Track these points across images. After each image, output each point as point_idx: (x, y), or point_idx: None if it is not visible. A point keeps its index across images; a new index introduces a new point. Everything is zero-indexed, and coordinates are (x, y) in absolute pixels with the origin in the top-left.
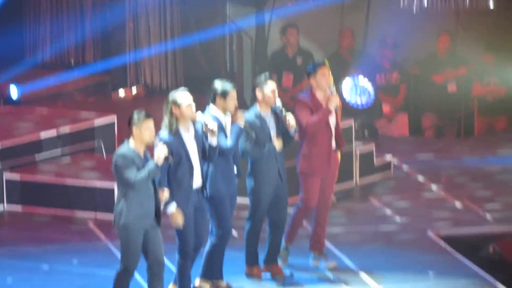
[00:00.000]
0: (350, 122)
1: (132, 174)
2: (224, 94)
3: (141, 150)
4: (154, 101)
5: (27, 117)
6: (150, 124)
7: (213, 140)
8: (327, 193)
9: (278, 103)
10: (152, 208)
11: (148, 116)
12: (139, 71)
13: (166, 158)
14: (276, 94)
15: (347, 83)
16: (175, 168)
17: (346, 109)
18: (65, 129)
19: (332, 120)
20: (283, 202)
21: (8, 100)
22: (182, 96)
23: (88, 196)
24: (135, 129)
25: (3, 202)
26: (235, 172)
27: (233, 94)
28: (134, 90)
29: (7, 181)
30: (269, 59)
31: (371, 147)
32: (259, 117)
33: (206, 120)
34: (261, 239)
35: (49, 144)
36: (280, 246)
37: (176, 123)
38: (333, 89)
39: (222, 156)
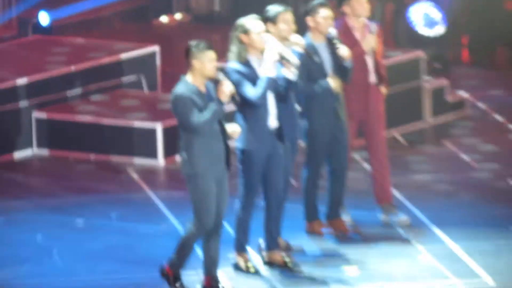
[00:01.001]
0: (419, 54)
1: (194, 117)
2: (273, 19)
3: (202, 86)
4: (201, 29)
5: (58, 48)
6: (213, 55)
7: (290, 73)
8: (376, 135)
9: (333, 31)
10: (222, 151)
11: (210, 46)
12: None
13: (233, 97)
14: (330, 23)
15: (415, 10)
16: (246, 106)
17: (414, 38)
18: (101, 61)
19: (368, 57)
20: (342, 145)
21: (37, 27)
22: (252, 22)
23: (128, 138)
24: (195, 62)
25: (31, 145)
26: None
27: (285, 17)
28: (178, 16)
29: (36, 120)
30: None
31: (443, 82)
32: (312, 47)
33: (280, 48)
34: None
35: (84, 78)
36: (343, 197)
37: (246, 53)
38: (373, 26)
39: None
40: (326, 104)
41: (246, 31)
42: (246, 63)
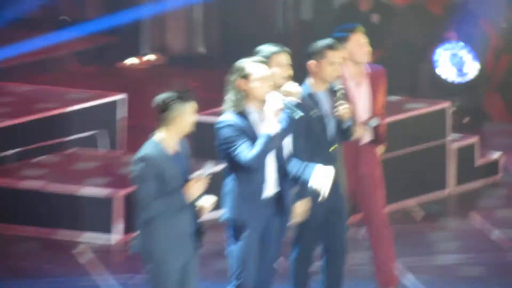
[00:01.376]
0: (445, 105)
1: (149, 196)
2: (267, 60)
3: (174, 145)
4: (177, 73)
5: None
6: (195, 107)
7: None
8: (374, 206)
9: (339, 81)
10: (190, 227)
11: (192, 96)
12: (157, 31)
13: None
14: (338, 70)
15: (442, 50)
16: (239, 168)
17: (440, 86)
18: (51, 113)
19: (364, 105)
20: (340, 219)
21: None
22: (254, 65)
23: (78, 210)
24: (174, 117)
25: None
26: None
27: (279, 59)
28: (149, 57)
29: None
30: (334, 15)
31: (473, 140)
32: (310, 98)
33: (283, 99)
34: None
35: (27, 135)
36: (341, 280)
37: (243, 102)
38: (375, 121)
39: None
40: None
41: (245, 76)
42: (243, 115)
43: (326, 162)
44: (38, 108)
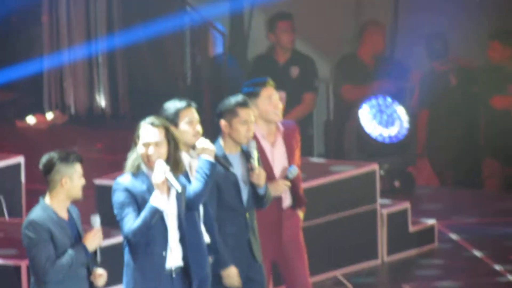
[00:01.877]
0: (373, 167)
1: (46, 259)
2: (174, 118)
3: (64, 210)
4: (79, 133)
5: None
6: (80, 169)
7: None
8: (296, 271)
9: (253, 145)
10: None
11: (79, 158)
12: (57, 86)
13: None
14: (252, 129)
15: (368, 106)
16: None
17: (367, 146)
18: None
19: (281, 170)
20: None
21: None
22: (144, 128)
23: None
24: (59, 180)
25: None
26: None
27: (188, 116)
28: (49, 115)
29: None
30: (250, 67)
31: (405, 205)
32: (224, 157)
33: (167, 171)
34: None
35: None
36: None
37: (137, 162)
38: (294, 169)
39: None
40: (239, 237)
41: (138, 137)
42: (139, 177)
43: (240, 230)
44: None
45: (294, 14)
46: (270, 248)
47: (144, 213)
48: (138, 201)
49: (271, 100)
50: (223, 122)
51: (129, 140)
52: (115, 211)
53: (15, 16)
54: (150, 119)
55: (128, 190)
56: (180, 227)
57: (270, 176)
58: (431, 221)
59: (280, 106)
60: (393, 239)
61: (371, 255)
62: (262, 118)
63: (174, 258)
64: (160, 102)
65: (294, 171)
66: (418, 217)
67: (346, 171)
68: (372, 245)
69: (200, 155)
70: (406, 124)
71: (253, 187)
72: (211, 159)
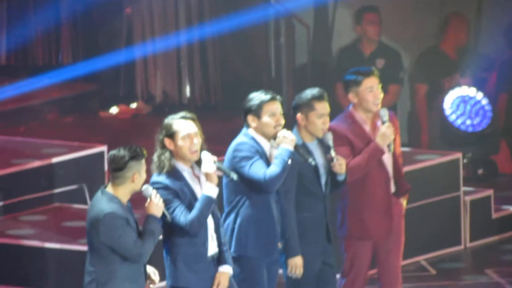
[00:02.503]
0: (457, 155)
1: (134, 242)
2: (257, 110)
3: (125, 201)
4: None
5: None
6: (144, 165)
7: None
8: (393, 262)
9: (329, 136)
10: None
11: (144, 153)
12: (142, 77)
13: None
14: (327, 121)
15: (451, 96)
16: (177, 232)
17: (449, 135)
18: (28, 167)
19: (387, 157)
20: (331, 273)
21: None
22: (179, 122)
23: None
24: (131, 176)
25: None
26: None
27: (272, 108)
28: (133, 105)
29: None
30: (334, 59)
31: (488, 193)
32: (303, 146)
33: (216, 160)
34: None
35: (5, 190)
36: None
37: (170, 162)
38: (385, 113)
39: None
40: (317, 222)
41: (171, 134)
42: (173, 174)
43: (318, 215)
44: (16, 162)
45: (380, 6)
46: (378, 230)
47: (199, 203)
48: (179, 196)
49: (372, 90)
50: (299, 116)
51: (222, 130)
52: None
53: (95, 10)
54: (176, 115)
55: (168, 187)
56: (214, 216)
57: (375, 149)
58: None
59: (381, 96)
60: (476, 225)
61: (455, 241)
62: (362, 107)
63: (212, 246)
64: (245, 94)
65: (385, 113)
66: (501, 204)
67: (431, 160)
68: (455, 232)
69: (279, 145)
70: (489, 114)
71: (332, 175)
72: (291, 147)
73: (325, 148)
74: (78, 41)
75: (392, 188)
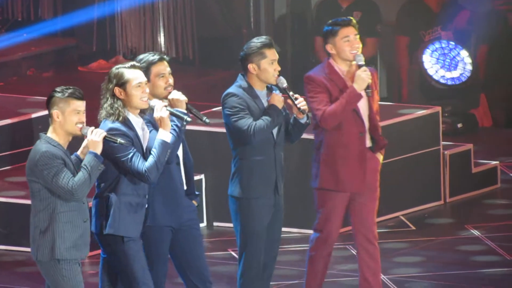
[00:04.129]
0: (436, 109)
1: (68, 179)
2: (146, 71)
3: (65, 144)
4: None
5: None
6: (79, 106)
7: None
8: (366, 214)
9: (282, 80)
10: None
11: (75, 94)
12: (119, 30)
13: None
14: (278, 67)
15: (431, 49)
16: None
17: (429, 89)
18: (5, 124)
19: (363, 107)
20: (276, 228)
21: None
22: (130, 72)
23: None
24: (55, 113)
25: None
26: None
27: (159, 69)
28: (112, 60)
29: None
30: (312, 12)
31: (468, 147)
32: (250, 91)
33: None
34: None
35: None
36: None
37: (123, 111)
38: (361, 58)
39: None
40: (267, 172)
41: (122, 83)
42: (126, 124)
43: (268, 162)
44: None
45: None
46: (353, 182)
47: (155, 149)
48: (134, 144)
49: (349, 39)
50: (250, 66)
51: (198, 85)
52: (117, 155)
53: None
54: (126, 64)
55: (126, 134)
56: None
57: (353, 94)
58: (493, 162)
59: (359, 46)
60: (456, 180)
61: (435, 197)
62: (339, 57)
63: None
64: (225, 49)
65: (360, 57)
66: (480, 158)
67: (410, 114)
68: (435, 187)
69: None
70: (469, 67)
71: (294, 120)
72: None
73: (286, 93)
74: None
75: (368, 143)
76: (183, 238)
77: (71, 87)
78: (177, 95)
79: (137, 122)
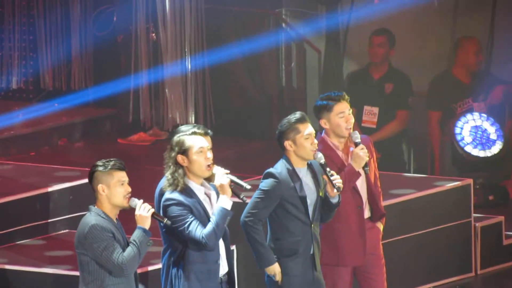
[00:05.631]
0: (468, 181)
1: (118, 254)
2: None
3: (113, 216)
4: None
5: None
6: (123, 177)
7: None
8: (375, 284)
9: (320, 155)
10: None
11: (117, 165)
12: (156, 102)
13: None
14: (315, 142)
15: (463, 122)
16: (190, 247)
17: (460, 160)
18: (37, 193)
19: (359, 182)
20: None
21: None
22: (191, 138)
23: None
24: (101, 188)
25: None
26: None
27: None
28: (150, 132)
29: None
30: (344, 83)
31: (499, 219)
32: (292, 174)
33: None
34: None
35: (12, 216)
36: None
37: (184, 179)
38: (357, 136)
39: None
40: (304, 251)
41: (184, 151)
42: (186, 192)
43: (305, 242)
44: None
45: (392, 31)
46: (354, 255)
47: (215, 216)
48: (193, 212)
49: (343, 115)
50: (287, 142)
51: (229, 155)
52: (175, 226)
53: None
54: (186, 130)
55: (182, 203)
56: (225, 236)
57: (351, 172)
58: None
59: (352, 121)
60: (487, 252)
61: (466, 269)
62: (334, 133)
63: (223, 265)
64: (257, 119)
65: (356, 135)
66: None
67: (441, 186)
68: (466, 259)
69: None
70: (500, 140)
71: (322, 199)
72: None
73: (318, 171)
74: (90, 64)
75: (367, 213)
76: None
77: (111, 159)
78: (220, 171)
79: (199, 188)
